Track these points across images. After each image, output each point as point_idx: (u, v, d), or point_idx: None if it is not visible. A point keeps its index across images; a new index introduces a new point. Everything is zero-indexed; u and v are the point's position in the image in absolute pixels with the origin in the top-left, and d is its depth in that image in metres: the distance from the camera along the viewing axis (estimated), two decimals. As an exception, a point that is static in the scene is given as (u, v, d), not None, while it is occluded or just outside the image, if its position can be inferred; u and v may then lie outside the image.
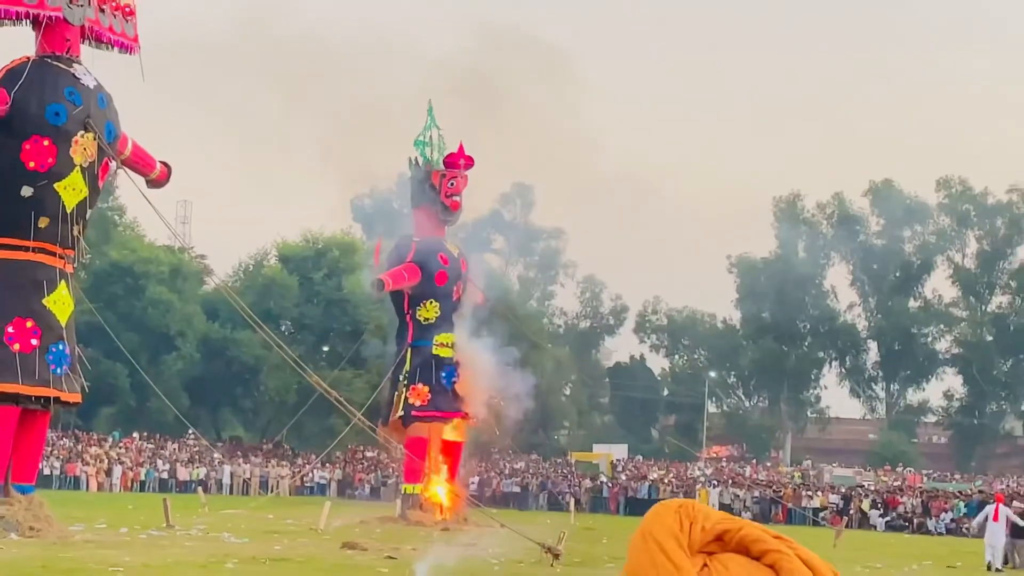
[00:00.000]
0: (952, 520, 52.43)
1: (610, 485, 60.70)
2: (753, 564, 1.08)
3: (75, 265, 30.80)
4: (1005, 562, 31.25)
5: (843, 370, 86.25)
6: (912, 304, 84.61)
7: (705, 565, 1.07)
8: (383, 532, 34.14)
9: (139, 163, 32.30)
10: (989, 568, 29.81)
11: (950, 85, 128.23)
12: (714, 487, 58.42)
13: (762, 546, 1.09)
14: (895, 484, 63.21)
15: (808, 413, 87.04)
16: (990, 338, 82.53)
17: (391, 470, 55.27)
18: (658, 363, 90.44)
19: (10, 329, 28.38)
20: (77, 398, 30.32)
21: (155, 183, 33.10)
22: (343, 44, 57.92)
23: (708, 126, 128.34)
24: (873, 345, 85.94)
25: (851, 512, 53.87)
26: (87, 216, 30.40)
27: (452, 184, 42.78)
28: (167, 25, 72.64)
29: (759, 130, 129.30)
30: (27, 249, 28.73)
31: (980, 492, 56.71)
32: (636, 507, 56.41)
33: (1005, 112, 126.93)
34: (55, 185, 28.72)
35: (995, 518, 30.75)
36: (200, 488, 51.49)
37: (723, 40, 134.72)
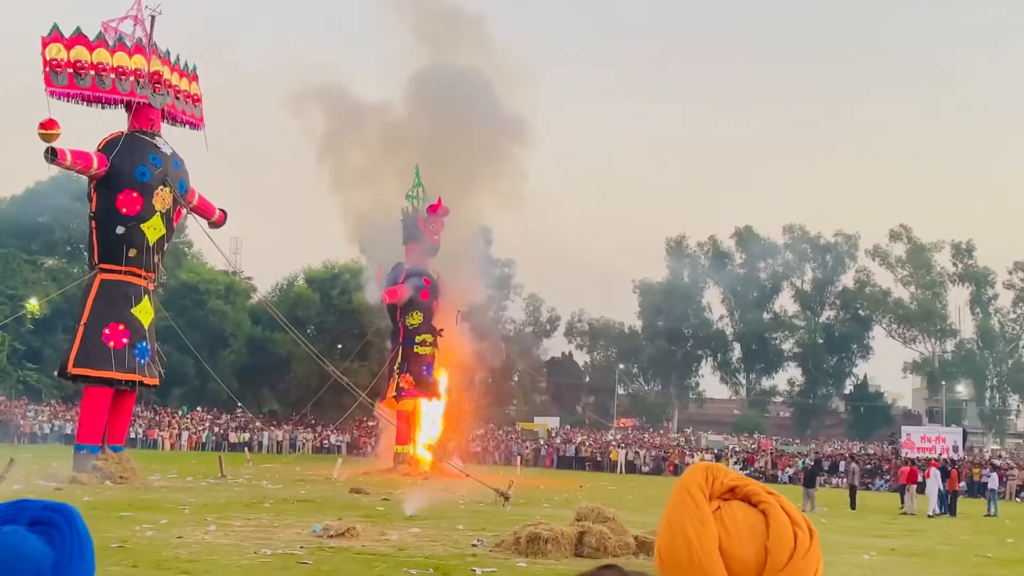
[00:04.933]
0: (794, 473, 52.82)
1: (546, 447, 60.70)
2: (752, 509, 1.22)
3: (155, 284, 30.68)
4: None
5: (715, 363, 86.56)
6: (765, 316, 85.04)
7: (719, 507, 1.22)
8: (380, 480, 34.02)
9: (203, 209, 32.26)
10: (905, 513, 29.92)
11: (795, 151, 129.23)
12: (622, 449, 58.52)
13: (758, 498, 1.23)
14: (752, 447, 63.57)
15: (690, 395, 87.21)
16: (821, 341, 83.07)
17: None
18: (581, 358, 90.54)
19: (107, 331, 28.32)
20: (155, 381, 30.20)
21: (215, 224, 33.06)
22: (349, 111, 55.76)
23: (622, 183, 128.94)
24: (737, 346, 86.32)
25: (720, 467, 54.06)
26: (164, 248, 30.33)
27: (433, 227, 42.86)
28: (224, 103, 72.10)
29: (659, 188, 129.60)
30: (120, 272, 28.72)
31: (815, 453, 57.12)
32: (565, 463, 56.48)
33: (840, 172, 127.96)
34: (141, 225, 28.70)
35: (928, 476, 31.40)
36: (246, 448, 51.09)
37: (634, 119, 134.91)
